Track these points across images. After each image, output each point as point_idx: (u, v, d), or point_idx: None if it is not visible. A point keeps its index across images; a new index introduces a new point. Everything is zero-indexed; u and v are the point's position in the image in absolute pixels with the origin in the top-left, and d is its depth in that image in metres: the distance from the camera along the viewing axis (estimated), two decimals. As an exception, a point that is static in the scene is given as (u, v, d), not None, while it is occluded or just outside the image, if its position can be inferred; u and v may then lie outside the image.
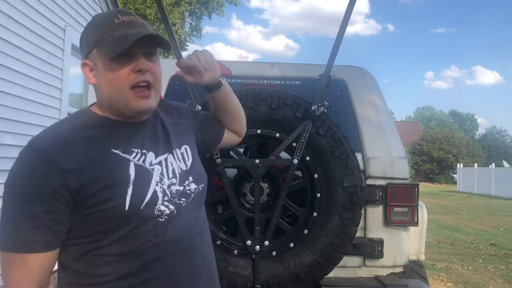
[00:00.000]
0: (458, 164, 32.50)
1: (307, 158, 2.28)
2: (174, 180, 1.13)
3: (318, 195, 2.28)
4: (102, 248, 1.04)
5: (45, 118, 4.50)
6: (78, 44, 4.72)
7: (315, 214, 2.29)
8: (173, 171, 1.15)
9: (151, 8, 13.49)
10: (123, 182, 1.04)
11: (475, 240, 8.90)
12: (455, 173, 34.70)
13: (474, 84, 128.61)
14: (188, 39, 18.55)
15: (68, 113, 5.02)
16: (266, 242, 2.25)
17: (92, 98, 4.87)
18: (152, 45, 1.12)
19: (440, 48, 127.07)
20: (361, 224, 2.39)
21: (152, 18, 13.67)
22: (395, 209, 2.47)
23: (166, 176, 1.12)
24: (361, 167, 2.44)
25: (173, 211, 1.10)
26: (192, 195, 1.17)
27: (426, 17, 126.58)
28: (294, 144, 2.26)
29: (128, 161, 1.08)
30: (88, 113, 1.16)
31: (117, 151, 1.07)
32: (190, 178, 1.18)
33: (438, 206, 16.35)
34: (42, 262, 1.01)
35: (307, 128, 2.24)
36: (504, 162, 37.53)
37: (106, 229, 1.03)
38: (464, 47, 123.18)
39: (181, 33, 16.17)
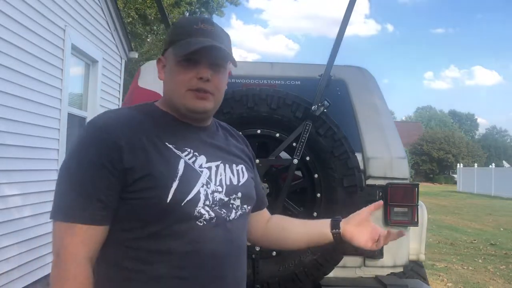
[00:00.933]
0: (458, 164, 32.50)
1: (307, 158, 2.28)
2: (219, 188, 1.12)
3: (318, 195, 2.28)
4: (136, 240, 1.04)
5: (45, 118, 4.51)
6: (78, 44, 4.72)
7: (315, 214, 2.28)
8: (221, 180, 1.14)
9: (151, 8, 13.49)
10: (171, 175, 1.04)
11: (475, 240, 8.90)
12: (455, 173, 34.69)
13: (474, 84, 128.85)
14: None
15: (68, 113, 5.03)
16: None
17: (92, 98, 4.90)
18: (221, 57, 1.14)
19: (439, 48, 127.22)
20: (361, 224, 2.38)
21: (153, 18, 13.67)
22: (395, 209, 2.47)
23: (213, 181, 1.11)
24: (361, 167, 2.44)
25: (213, 218, 1.08)
26: (234, 212, 1.14)
27: (425, 17, 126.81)
28: (294, 144, 2.26)
29: (179, 157, 1.08)
30: (151, 105, 1.19)
31: (170, 146, 1.09)
32: (239, 194, 1.16)
33: (438, 206, 16.36)
34: (97, 235, 1.02)
35: (307, 128, 2.24)
36: (504, 162, 37.53)
37: (143, 219, 1.03)
38: (463, 47, 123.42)
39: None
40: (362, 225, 1.25)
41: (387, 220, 2.46)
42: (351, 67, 2.83)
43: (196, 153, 1.12)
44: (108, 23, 6.30)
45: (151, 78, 2.73)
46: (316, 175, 2.29)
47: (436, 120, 65.43)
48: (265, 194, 1.44)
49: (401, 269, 2.56)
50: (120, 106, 6.22)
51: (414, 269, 2.92)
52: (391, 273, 2.52)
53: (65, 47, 4.87)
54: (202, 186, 1.08)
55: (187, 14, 17.26)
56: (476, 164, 31.61)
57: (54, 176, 4.71)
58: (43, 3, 4.39)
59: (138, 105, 1.20)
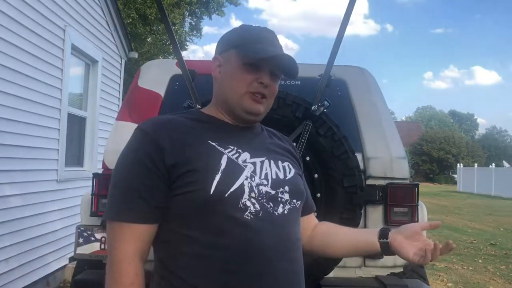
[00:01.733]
0: (458, 164, 32.49)
1: (307, 158, 2.28)
2: (264, 181, 1.13)
3: (318, 195, 2.28)
4: (184, 236, 1.06)
5: (45, 118, 4.51)
6: (78, 44, 4.71)
7: (315, 214, 2.28)
8: (266, 174, 1.15)
9: (151, 8, 13.48)
10: (213, 169, 1.07)
11: (475, 240, 8.90)
12: (455, 173, 34.69)
13: (473, 84, 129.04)
14: (188, 39, 18.55)
15: (68, 113, 5.03)
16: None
17: (92, 98, 4.89)
18: (280, 68, 1.20)
19: (438, 48, 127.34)
20: (361, 224, 2.38)
21: (153, 18, 13.66)
22: (395, 209, 2.46)
23: (257, 175, 1.13)
24: (361, 167, 2.44)
25: (259, 212, 1.08)
26: (282, 206, 1.13)
27: (424, 17, 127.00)
28: (294, 144, 2.25)
29: (222, 153, 1.12)
30: (196, 111, 1.26)
31: (213, 143, 1.13)
32: (286, 188, 1.16)
33: (438, 206, 16.35)
34: (143, 234, 1.07)
35: (307, 128, 2.24)
36: (504, 162, 37.52)
37: (190, 214, 1.06)
38: (463, 47, 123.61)
39: (180, 33, 16.17)
40: (413, 238, 1.19)
41: (387, 220, 2.46)
42: (351, 67, 2.83)
43: (240, 150, 1.15)
44: (108, 23, 6.30)
45: (151, 78, 2.73)
46: (316, 175, 2.28)
47: (436, 120, 65.44)
48: (312, 201, 1.43)
49: (401, 269, 2.56)
50: (120, 106, 6.21)
51: (414, 269, 2.92)
52: (391, 273, 2.52)
53: (65, 47, 4.87)
54: (246, 179, 1.10)
55: (187, 13, 17.26)
56: (476, 164, 31.61)
57: (54, 176, 4.72)
58: (43, 3, 4.39)
59: (185, 112, 1.26)
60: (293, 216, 1.17)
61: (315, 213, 2.26)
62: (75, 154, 5.53)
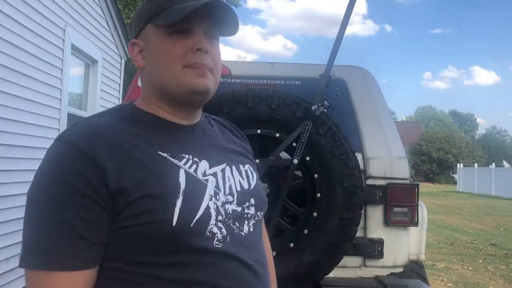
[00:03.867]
0: (458, 164, 32.49)
1: (307, 158, 2.28)
2: (230, 198, 0.93)
3: (318, 195, 2.28)
4: (139, 275, 0.84)
5: (45, 118, 4.51)
6: (78, 44, 4.71)
7: (315, 214, 2.28)
8: (230, 187, 0.95)
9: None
10: (172, 192, 0.85)
11: (475, 240, 8.90)
12: (455, 173, 34.68)
13: (472, 84, 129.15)
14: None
15: (68, 113, 5.03)
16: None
17: (92, 98, 4.88)
18: (216, 23, 0.95)
19: (437, 48, 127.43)
20: (361, 224, 2.38)
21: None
22: (395, 209, 2.46)
23: (222, 191, 0.93)
24: (361, 167, 2.44)
25: (226, 237, 0.89)
26: (247, 223, 0.95)
27: (423, 18, 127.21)
28: (294, 144, 2.26)
29: (178, 167, 0.89)
30: (130, 107, 0.98)
31: (165, 154, 0.89)
32: (252, 201, 0.98)
33: (438, 206, 16.35)
34: (85, 283, 0.82)
35: (307, 128, 2.24)
36: (504, 162, 37.52)
37: (145, 249, 0.83)
38: (461, 47, 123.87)
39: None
40: None
41: (387, 220, 2.46)
42: (351, 67, 2.83)
43: (196, 159, 0.93)
44: (108, 23, 6.29)
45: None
46: (316, 175, 2.28)
47: (436, 120, 65.43)
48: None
49: (401, 269, 2.56)
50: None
51: (414, 269, 2.92)
52: (391, 273, 2.52)
53: (65, 47, 4.87)
54: (211, 199, 0.89)
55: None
56: (476, 164, 31.61)
57: (54, 176, 4.71)
58: (43, 3, 4.38)
59: (114, 109, 0.99)
60: (258, 231, 1.01)
61: (315, 213, 2.27)
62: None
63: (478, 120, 78.51)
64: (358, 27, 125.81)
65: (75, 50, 5.24)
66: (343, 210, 2.25)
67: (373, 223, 2.49)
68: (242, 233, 0.94)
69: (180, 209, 0.84)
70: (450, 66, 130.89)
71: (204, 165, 0.94)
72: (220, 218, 0.89)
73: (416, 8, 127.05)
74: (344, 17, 2.28)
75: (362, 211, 2.36)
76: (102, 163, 0.82)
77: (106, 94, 6.27)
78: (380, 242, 2.46)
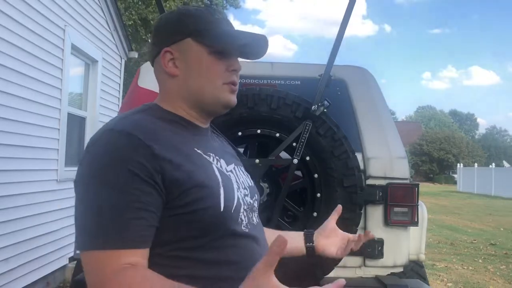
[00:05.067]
0: (458, 164, 32.50)
1: (307, 158, 2.28)
2: (246, 191, 1.06)
3: (318, 195, 2.28)
4: (183, 259, 0.91)
5: (45, 118, 4.51)
6: (78, 44, 4.68)
7: (315, 214, 2.28)
8: (243, 183, 1.08)
9: (154, 13, 13.47)
10: (215, 183, 0.95)
11: (475, 240, 8.90)
12: (455, 173, 34.70)
13: (471, 84, 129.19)
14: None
15: (68, 113, 5.03)
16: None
17: (92, 98, 4.86)
18: (251, 51, 1.11)
19: (436, 48, 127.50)
20: (361, 224, 2.38)
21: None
22: (395, 209, 2.46)
23: (240, 185, 1.05)
24: (361, 167, 2.43)
25: (247, 224, 1.02)
26: (254, 213, 1.09)
27: (422, 18, 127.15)
28: (294, 144, 2.26)
29: (210, 163, 0.99)
30: (157, 108, 1.06)
31: (199, 151, 0.99)
32: (256, 196, 1.12)
33: (438, 206, 16.35)
34: (138, 261, 0.86)
35: (307, 128, 2.24)
36: (504, 162, 37.54)
37: (193, 235, 0.91)
38: (460, 47, 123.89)
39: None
40: (331, 236, 1.28)
41: (387, 220, 2.46)
42: (351, 67, 2.83)
43: (217, 157, 1.04)
44: (108, 23, 6.29)
45: (151, 78, 2.72)
46: (316, 175, 2.28)
47: (436, 120, 65.46)
48: None
49: (401, 269, 2.56)
50: (120, 106, 6.21)
51: (414, 269, 2.92)
52: (391, 273, 2.52)
53: (65, 47, 4.87)
54: (237, 191, 1.02)
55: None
56: (476, 164, 31.61)
57: (54, 176, 4.72)
58: (43, 3, 4.38)
59: (144, 109, 1.06)
60: (260, 222, 1.14)
61: (315, 213, 2.27)
62: (75, 154, 5.53)
63: (478, 120, 78.62)
64: (358, 27, 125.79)
65: (75, 50, 5.24)
66: (343, 210, 2.24)
67: (373, 223, 2.49)
68: (254, 222, 1.06)
69: (224, 197, 0.95)
70: (450, 66, 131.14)
71: (223, 163, 1.05)
72: (245, 207, 1.02)
73: (415, 8, 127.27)
74: (344, 17, 2.28)
75: (362, 211, 2.36)
76: (158, 154, 0.89)
77: (106, 94, 6.27)
78: (380, 242, 2.46)
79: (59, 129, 4.79)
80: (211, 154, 1.02)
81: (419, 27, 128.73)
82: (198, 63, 1.02)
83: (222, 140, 1.21)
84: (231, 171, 1.06)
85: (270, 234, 1.16)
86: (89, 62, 5.84)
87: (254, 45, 1.08)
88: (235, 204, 0.98)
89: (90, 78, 5.87)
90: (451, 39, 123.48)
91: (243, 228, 0.99)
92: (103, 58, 6.09)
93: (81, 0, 5.32)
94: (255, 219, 1.08)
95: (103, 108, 6.13)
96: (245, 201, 1.03)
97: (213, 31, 1.02)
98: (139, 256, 0.86)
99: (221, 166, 1.02)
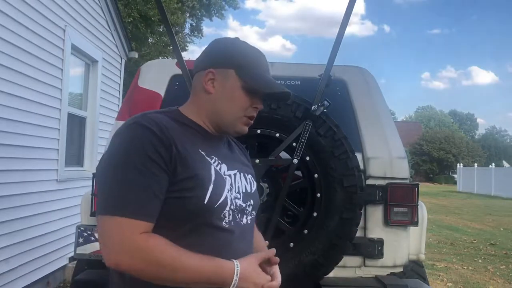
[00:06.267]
0: (458, 164, 32.49)
1: (307, 158, 2.28)
2: (238, 195, 1.21)
3: (318, 195, 2.28)
4: (166, 236, 1.07)
5: (45, 118, 4.51)
6: (78, 44, 4.68)
7: (315, 214, 2.28)
8: (239, 187, 1.23)
9: (154, 9, 13.45)
10: (207, 178, 1.12)
11: (475, 240, 8.90)
12: (455, 173, 34.68)
13: (471, 84, 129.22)
14: (189, 40, 18.59)
15: (68, 113, 5.03)
16: (266, 242, 2.25)
17: (92, 98, 4.86)
18: (276, 99, 1.34)
19: (435, 48, 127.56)
20: (361, 224, 2.39)
21: (156, 20, 13.65)
22: (395, 209, 2.47)
23: (234, 188, 1.21)
24: (361, 167, 2.44)
25: (231, 221, 1.17)
26: (245, 217, 1.24)
27: (421, 18, 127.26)
28: (294, 144, 2.26)
29: (210, 164, 1.17)
30: (178, 112, 1.24)
31: (203, 153, 1.17)
32: (251, 201, 1.26)
33: (438, 206, 16.35)
34: (146, 230, 1.05)
35: (307, 128, 2.24)
36: (504, 162, 37.55)
37: (179, 216, 1.09)
38: (459, 48, 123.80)
39: (181, 37, 16.21)
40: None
41: (387, 220, 2.46)
42: (351, 67, 2.83)
43: (220, 161, 1.21)
44: (108, 23, 6.29)
45: (151, 78, 2.73)
46: (316, 175, 2.29)
47: (436, 120, 65.44)
48: None
49: (401, 269, 2.56)
50: (120, 106, 6.21)
51: (414, 269, 2.92)
52: (391, 273, 2.52)
53: (65, 47, 4.87)
54: (228, 192, 1.17)
55: (187, 14, 17.27)
56: (476, 164, 31.59)
57: (54, 176, 4.72)
58: (43, 3, 4.38)
59: (164, 110, 1.24)
60: (252, 225, 1.30)
61: (315, 213, 2.27)
62: (75, 154, 5.53)
63: (478, 120, 78.59)
64: (357, 27, 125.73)
65: (75, 50, 5.24)
66: (343, 210, 2.25)
67: (373, 223, 2.49)
68: (242, 223, 1.22)
69: (211, 192, 1.11)
70: (449, 66, 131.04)
71: (224, 167, 1.21)
72: (232, 207, 1.17)
73: (414, 8, 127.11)
74: (344, 17, 2.28)
75: (362, 211, 2.36)
76: (170, 145, 1.08)
77: (106, 94, 6.27)
78: (380, 242, 2.46)
79: (59, 129, 4.79)
80: (214, 157, 1.20)
81: (418, 27, 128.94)
82: (231, 92, 1.20)
83: (237, 150, 1.38)
84: (229, 175, 1.22)
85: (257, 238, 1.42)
86: (89, 62, 5.84)
87: (277, 96, 1.29)
88: (220, 201, 1.13)
89: (90, 78, 5.87)
90: (450, 39, 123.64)
91: (223, 223, 1.15)
92: (103, 58, 6.08)
93: (81, 0, 5.32)
94: (246, 220, 1.24)
95: (103, 108, 6.13)
96: (234, 202, 1.18)
97: (253, 71, 1.21)
98: (150, 230, 1.05)
99: (220, 169, 1.19)
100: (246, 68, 1.20)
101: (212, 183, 1.13)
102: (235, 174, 1.24)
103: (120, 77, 6.96)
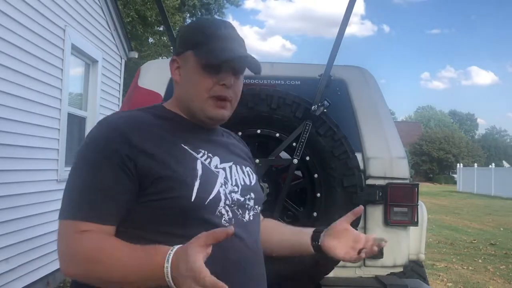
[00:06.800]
0: (458, 164, 32.48)
1: (307, 158, 2.28)
2: (235, 188, 1.12)
3: (318, 195, 2.28)
4: (158, 242, 0.97)
5: (45, 118, 4.51)
6: (78, 44, 4.69)
7: (315, 214, 2.29)
8: (236, 180, 1.14)
9: (151, 10, 13.47)
10: (191, 175, 1.04)
11: (475, 240, 8.90)
12: (455, 173, 34.68)
13: (470, 84, 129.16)
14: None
15: (68, 113, 5.03)
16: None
17: (92, 98, 4.89)
18: (242, 67, 1.14)
19: (435, 48, 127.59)
20: (361, 224, 2.39)
21: (153, 20, 13.66)
22: (395, 209, 2.47)
23: (229, 181, 1.12)
24: (361, 167, 2.44)
25: (232, 219, 1.08)
26: (248, 212, 1.13)
27: (421, 18, 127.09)
28: (294, 144, 2.26)
29: (195, 158, 1.08)
30: (161, 107, 1.18)
31: (186, 147, 1.08)
32: (252, 194, 1.16)
33: (438, 206, 16.35)
34: (100, 234, 0.98)
35: (307, 128, 2.24)
36: (504, 162, 37.54)
37: (166, 220, 1.01)
38: (459, 48, 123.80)
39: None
40: (341, 237, 1.21)
41: (387, 220, 2.46)
42: (351, 67, 2.83)
43: (210, 154, 1.12)
44: (108, 23, 6.29)
45: (151, 78, 2.73)
46: (316, 175, 2.29)
47: (436, 120, 65.44)
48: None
49: (401, 269, 2.56)
50: (120, 106, 6.22)
51: (414, 269, 2.92)
52: (391, 273, 2.52)
53: (65, 47, 4.87)
54: (221, 186, 1.08)
55: (187, 14, 17.27)
56: (476, 164, 31.59)
57: (54, 176, 4.72)
58: (43, 3, 4.38)
59: (147, 107, 1.19)
60: (257, 222, 1.18)
61: (315, 213, 2.28)
62: (75, 154, 5.53)
63: (478, 120, 78.58)
64: (356, 27, 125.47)
65: (75, 50, 5.24)
66: (343, 210, 2.25)
67: (373, 223, 2.49)
68: (244, 219, 1.11)
69: (198, 189, 1.02)
70: (448, 66, 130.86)
71: (216, 160, 1.13)
72: (227, 202, 1.08)
73: (413, 8, 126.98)
74: (344, 17, 2.28)
75: (362, 211, 2.36)
76: (134, 143, 1.01)
77: (106, 94, 6.27)
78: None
79: (59, 129, 4.79)
80: (203, 151, 1.11)
81: (417, 27, 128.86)
82: (191, 75, 1.11)
83: (235, 141, 1.29)
84: (223, 168, 1.13)
85: (283, 228, 1.33)
86: (89, 62, 5.84)
87: (238, 64, 1.12)
88: (211, 197, 1.04)
89: (90, 78, 5.87)
90: (449, 39, 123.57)
91: (223, 221, 1.05)
92: (103, 58, 6.08)
93: (81, 0, 5.32)
94: (248, 216, 1.13)
95: (103, 108, 6.13)
96: (230, 197, 1.09)
97: (210, 46, 1.09)
98: (103, 232, 0.98)
99: (209, 162, 1.10)
100: (203, 45, 1.10)
101: (198, 178, 1.04)
102: (230, 167, 1.15)
103: (120, 77, 6.96)
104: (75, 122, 5.45)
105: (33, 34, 4.22)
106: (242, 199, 1.12)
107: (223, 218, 1.06)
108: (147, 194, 1.01)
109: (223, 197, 1.07)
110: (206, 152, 1.11)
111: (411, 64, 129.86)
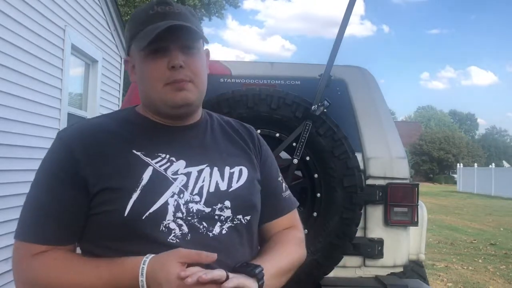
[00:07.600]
0: (458, 164, 32.48)
1: (307, 158, 2.28)
2: (196, 198, 0.96)
3: (318, 195, 2.28)
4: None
5: (45, 118, 4.51)
6: (78, 44, 4.70)
7: (315, 214, 2.28)
8: (201, 188, 0.98)
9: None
10: (131, 186, 0.93)
11: (475, 240, 8.90)
12: (455, 173, 34.69)
13: (470, 84, 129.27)
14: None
15: (68, 113, 5.03)
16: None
17: (92, 98, 4.89)
18: (188, 37, 0.99)
19: (434, 49, 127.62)
20: (361, 224, 2.38)
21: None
22: (395, 209, 2.46)
23: (189, 190, 0.97)
24: (361, 167, 2.44)
25: (187, 234, 0.93)
26: (220, 224, 0.97)
27: (420, 18, 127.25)
28: (294, 144, 2.26)
29: (147, 164, 0.97)
30: (130, 110, 1.10)
31: (138, 153, 0.98)
32: (227, 203, 0.99)
33: (438, 206, 16.35)
34: (48, 255, 0.95)
35: (307, 128, 2.24)
36: (504, 162, 37.54)
37: (106, 236, 0.94)
38: (458, 48, 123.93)
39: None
40: None
41: (387, 220, 2.46)
42: (351, 67, 2.83)
43: (173, 158, 0.99)
44: (108, 23, 6.29)
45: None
46: (316, 175, 2.29)
47: (436, 120, 65.44)
48: (289, 199, 1.25)
49: (401, 269, 2.56)
50: (120, 106, 6.22)
51: (414, 269, 2.92)
52: (391, 273, 2.52)
53: (65, 47, 4.87)
54: (172, 196, 0.94)
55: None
56: (476, 164, 31.59)
57: (54, 176, 4.71)
58: (43, 3, 4.38)
59: (118, 110, 1.14)
60: (235, 235, 0.99)
61: (315, 213, 2.27)
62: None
63: (478, 120, 78.59)
64: (356, 27, 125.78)
65: (75, 50, 5.24)
66: (343, 210, 2.25)
67: (373, 223, 2.49)
68: (210, 234, 0.96)
69: (135, 202, 0.92)
70: (448, 66, 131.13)
71: (179, 164, 1.00)
72: (179, 215, 0.94)
73: (413, 8, 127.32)
74: (344, 17, 2.28)
75: (362, 211, 2.36)
76: (76, 156, 0.95)
77: (106, 94, 6.27)
78: (380, 242, 2.46)
79: (59, 129, 4.78)
80: (162, 155, 0.99)
81: (417, 27, 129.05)
82: (140, 69, 1.02)
83: (227, 137, 1.12)
84: (187, 173, 0.98)
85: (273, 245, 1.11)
86: (89, 62, 5.84)
87: (171, 35, 0.97)
88: (151, 211, 0.91)
89: (90, 78, 5.87)
90: (449, 39, 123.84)
91: (170, 238, 0.91)
92: (103, 58, 6.08)
93: (81, 0, 5.32)
94: (220, 230, 0.96)
95: (103, 108, 6.13)
96: (184, 208, 0.94)
97: (141, 33, 0.99)
98: (58, 252, 0.95)
99: (166, 168, 0.97)
100: (136, 34, 1.01)
101: (139, 189, 0.92)
102: (200, 171, 1.00)
103: (120, 77, 6.96)
104: (75, 122, 5.45)
105: (33, 34, 4.22)
106: (207, 209, 0.96)
107: (173, 234, 0.92)
108: (92, 207, 0.95)
109: (171, 209, 0.93)
110: (167, 156, 0.99)
111: (411, 64, 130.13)
